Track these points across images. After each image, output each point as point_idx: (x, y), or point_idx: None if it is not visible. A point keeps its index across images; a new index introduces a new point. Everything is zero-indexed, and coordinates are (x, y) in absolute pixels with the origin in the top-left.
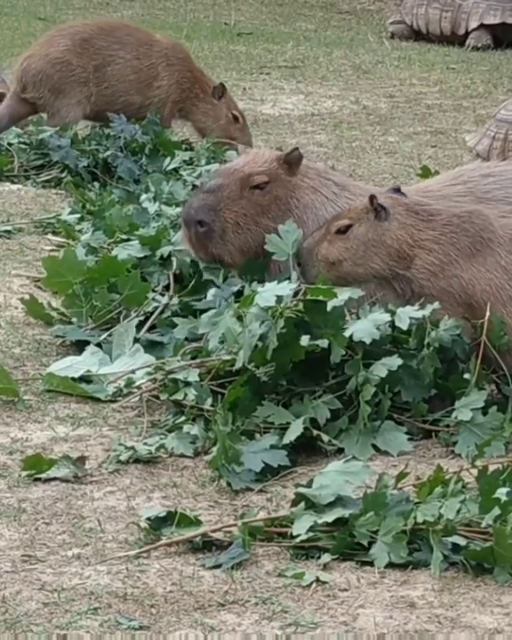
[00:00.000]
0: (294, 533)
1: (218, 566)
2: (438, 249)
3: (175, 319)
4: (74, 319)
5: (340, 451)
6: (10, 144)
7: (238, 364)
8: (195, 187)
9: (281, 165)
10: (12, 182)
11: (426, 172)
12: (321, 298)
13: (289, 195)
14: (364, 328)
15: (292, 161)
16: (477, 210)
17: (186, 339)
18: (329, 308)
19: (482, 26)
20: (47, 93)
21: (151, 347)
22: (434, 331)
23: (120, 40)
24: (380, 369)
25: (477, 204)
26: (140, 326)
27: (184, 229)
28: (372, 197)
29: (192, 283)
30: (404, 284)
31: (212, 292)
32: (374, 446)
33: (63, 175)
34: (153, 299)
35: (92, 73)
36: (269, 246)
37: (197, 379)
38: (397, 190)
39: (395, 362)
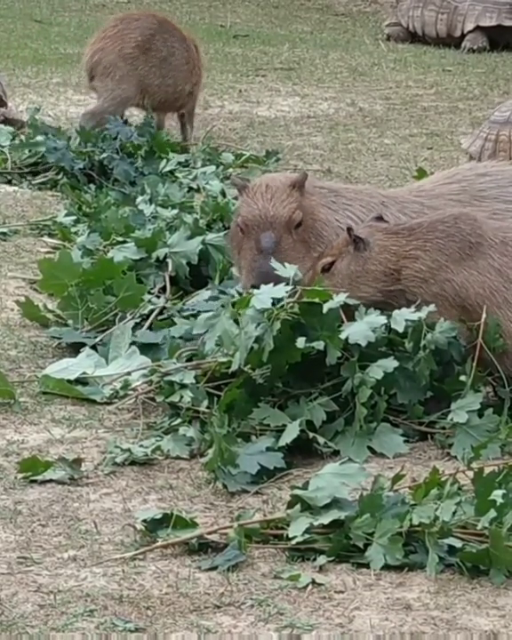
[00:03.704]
0: (290, 535)
1: (214, 568)
2: (425, 256)
3: (176, 319)
4: (69, 321)
5: (336, 453)
6: (2, 146)
7: (234, 367)
8: (191, 189)
9: (298, 192)
10: (10, 183)
11: (422, 174)
12: (317, 300)
13: (311, 219)
14: (360, 330)
15: (302, 184)
16: (464, 213)
17: (181, 337)
18: (325, 310)
19: (478, 28)
20: (110, 82)
21: (147, 348)
22: (430, 333)
23: (173, 33)
24: (376, 371)
25: (466, 207)
26: (136, 329)
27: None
28: (349, 229)
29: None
30: (398, 297)
31: (206, 294)
32: (370, 448)
33: (59, 177)
34: (149, 301)
35: (155, 66)
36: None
37: (193, 381)
38: (379, 218)
39: (391, 364)
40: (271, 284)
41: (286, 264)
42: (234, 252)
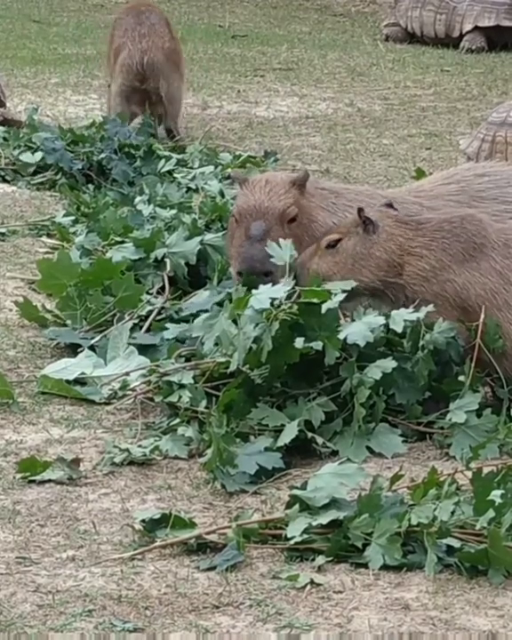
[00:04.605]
0: (289, 535)
1: (212, 568)
2: (429, 255)
3: (168, 324)
4: (68, 321)
5: (335, 453)
6: None
7: (233, 367)
8: (189, 189)
9: (296, 189)
10: (5, 181)
11: (420, 175)
12: (315, 300)
13: (308, 218)
14: (359, 331)
15: (303, 182)
16: (470, 214)
17: (176, 339)
18: (323, 310)
19: (476, 28)
20: (163, 81)
21: (145, 349)
22: (428, 333)
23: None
24: (375, 371)
25: (471, 208)
26: (134, 330)
27: (241, 278)
28: (360, 210)
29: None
30: (397, 291)
31: (205, 294)
32: (369, 448)
33: (58, 177)
34: (147, 301)
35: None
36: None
37: (192, 381)
38: (389, 205)
39: (389, 364)
40: (267, 285)
41: (279, 247)
42: (228, 242)
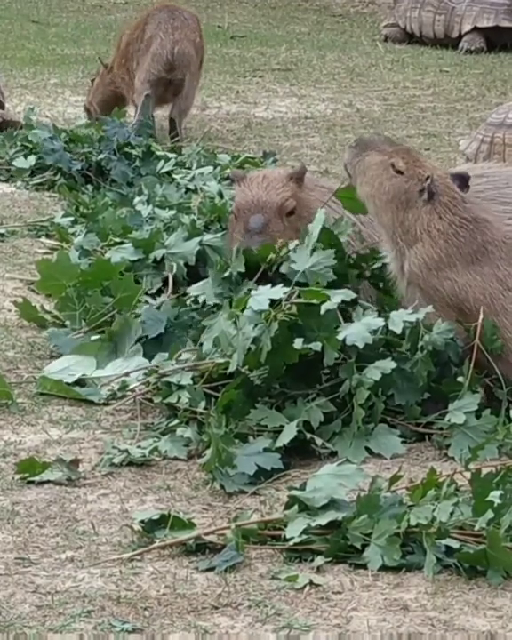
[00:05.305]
0: (288, 536)
1: (211, 569)
2: (443, 245)
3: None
4: (67, 322)
5: (334, 454)
6: None
7: (232, 367)
8: (188, 190)
9: (294, 183)
10: (6, 183)
11: None
12: (314, 301)
13: (307, 211)
14: (358, 332)
15: (300, 177)
16: (490, 221)
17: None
18: (322, 311)
19: (475, 29)
20: (189, 75)
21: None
22: (427, 334)
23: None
24: (374, 372)
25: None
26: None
27: None
28: (429, 178)
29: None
30: (399, 254)
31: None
32: (368, 449)
33: (57, 178)
34: (146, 302)
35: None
36: None
37: (191, 382)
38: (463, 179)
39: (388, 365)
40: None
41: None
42: (227, 240)
